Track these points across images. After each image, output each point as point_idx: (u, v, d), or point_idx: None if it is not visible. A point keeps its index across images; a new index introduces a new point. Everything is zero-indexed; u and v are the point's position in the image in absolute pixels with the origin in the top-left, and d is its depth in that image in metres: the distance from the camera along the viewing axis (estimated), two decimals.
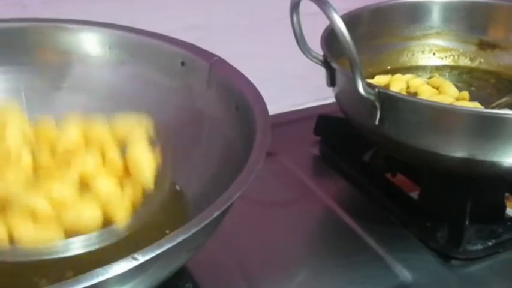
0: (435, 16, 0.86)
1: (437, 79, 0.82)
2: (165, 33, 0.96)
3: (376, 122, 0.64)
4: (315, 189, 0.75)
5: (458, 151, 0.62)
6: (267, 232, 0.69)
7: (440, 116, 0.61)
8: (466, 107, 0.68)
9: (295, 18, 0.66)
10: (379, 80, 0.82)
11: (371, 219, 0.70)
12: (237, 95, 0.58)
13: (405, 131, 0.63)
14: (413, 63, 0.88)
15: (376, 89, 0.62)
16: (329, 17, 0.59)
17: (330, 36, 0.70)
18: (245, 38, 1.04)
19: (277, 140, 0.83)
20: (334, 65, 0.68)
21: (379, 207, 0.72)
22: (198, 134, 0.62)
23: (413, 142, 0.63)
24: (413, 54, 0.87)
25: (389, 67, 0.86)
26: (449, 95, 0.79)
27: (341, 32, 0.59)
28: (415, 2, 0.86)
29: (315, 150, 0.83)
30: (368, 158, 0.78)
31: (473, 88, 0.82)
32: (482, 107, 0.72)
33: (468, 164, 0.62)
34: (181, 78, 0.64)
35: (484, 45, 0.87)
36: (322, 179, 0.78)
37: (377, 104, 0.63)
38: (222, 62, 0.62)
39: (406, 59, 0.87)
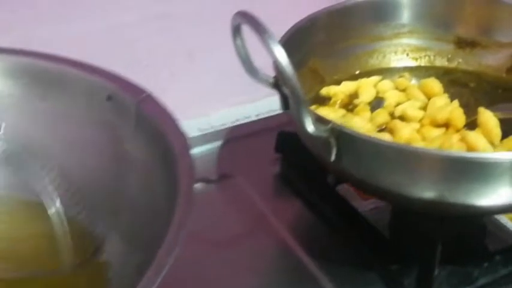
0: (406, 13, 0.77)
1: (404, 81, 0.74)
2: (125, 25, 0.89)
3: (333, 159, 0.56)
4: (272, 219, 0.68)
5: (425, 193, 0.54)
6: (215, 275, 0.62)
7: (401, 157, 0.53)
8: (430, 148, 0.59)
9: (238, 41, 0.58)
10: (346, 87, 0.73)
11: (333, 258, 0.63)
12: (163, 139, 0.50)
13: (365, 170, 0.56)
14: (385, 66, 0.79)
15: (330, 125, 0.54)
16: (269, 48, 0.50)
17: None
18: (216, 26, 0.95)
19: (235, 158, 0.77)
20: (285, 90, 0.60)
21: (343, 242, 0.64)
22: (122, 179, 0.54)
23: (375, 181, 0.56)
24: (384, 56, 0.79)
25: (357, 71, 0.78)
26: (416, 99, 0.71)
27: (282, 66, 0.50)
28: None
29: (277, 168, 0.75)
30: (333, 181, 0.70)
31: (447, 95, 0.73)
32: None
33: (437, 206, 0.55)
34: (106, 114, 0.56)
35: (463, 44, 0.78)
36: (280, 206, 0.70)
37: (332, 141, 0.55)
38: (150, 99, 0.54)
39: (376, 62, 0.79)
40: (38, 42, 0.81)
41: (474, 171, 0.51)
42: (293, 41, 0.69)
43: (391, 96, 0.71)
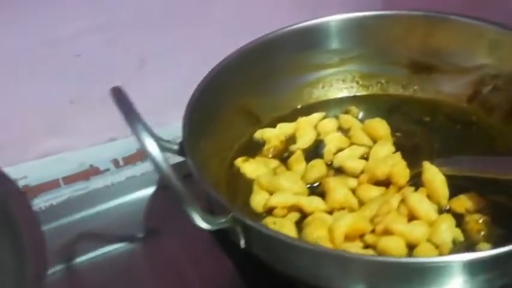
0: (351, 36, 0.68)
1: (348, 119, 0.66)
2: (65, 38, 0.80)
3: (242, 245, 0.48)
4: None
5: None
6: None
7: (313, 256, 0.45)
8: (340, 251, 0.48)
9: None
10: (282, 129, 0.65)
11: None
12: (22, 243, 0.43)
13: (278, 261, 0.48)
14: (331, 96, 0.70)
15: (231, 214, 0.46)
16: (140, 141, 0.42)
17: (194, 114, 0.54)
18: (166, 30, 0.87)
19: (166, 208, 0.69)
20: (190, 161, 0.51)
21: None
22: None
23: (295, 274, 0.48)
24: (330, 85, 0.70)
25: (299, 106, 0.69)
26: (360, 142, 0.62)
27: (155, 162, 0.42)
28: (323, 22, 0.67)
29: None
30: None
31: (398, 134, 0.64)
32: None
33: None
34: None
35: (418, 68, 0.69)
36: (211, 272, 0.62)
37: (237, 229, 0.47)
38: (18, 193, 0.46)
39: (321, 93, 0.70)
40: None
41: (397, 274, 0.43)
42: (218, 81, 0.61)
43: (332, 140, 0.63)
